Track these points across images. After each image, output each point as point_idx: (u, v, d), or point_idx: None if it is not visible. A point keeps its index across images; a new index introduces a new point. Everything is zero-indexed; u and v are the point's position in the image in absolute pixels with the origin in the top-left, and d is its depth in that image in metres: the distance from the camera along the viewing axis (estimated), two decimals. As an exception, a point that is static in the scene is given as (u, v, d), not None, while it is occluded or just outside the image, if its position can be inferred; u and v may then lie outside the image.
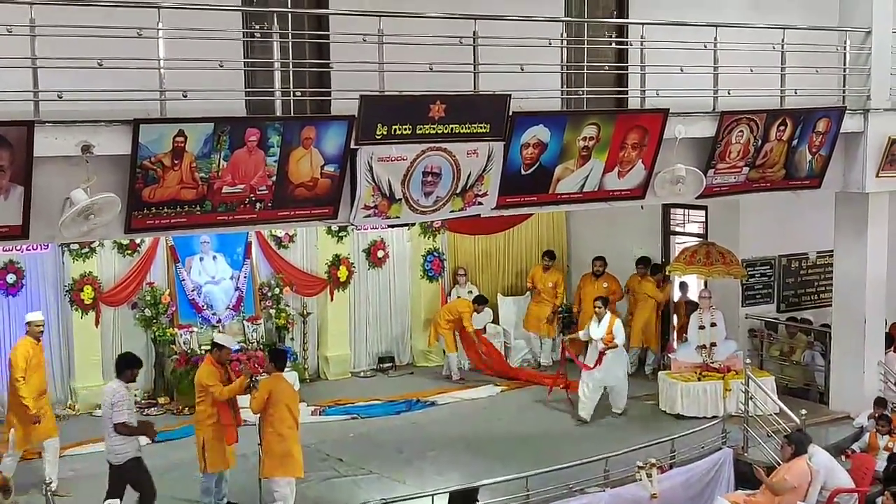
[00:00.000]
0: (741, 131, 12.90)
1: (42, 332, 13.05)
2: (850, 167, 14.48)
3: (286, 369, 12.89)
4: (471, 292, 18.68)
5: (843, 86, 13.96)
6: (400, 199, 10.89)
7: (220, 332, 15.88)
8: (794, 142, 13.50)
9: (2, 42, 8.61)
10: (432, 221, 17.55)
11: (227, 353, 12.02)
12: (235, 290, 16.67)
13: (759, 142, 13.16)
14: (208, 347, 13.09)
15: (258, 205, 10.17)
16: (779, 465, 12.33)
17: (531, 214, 18.58)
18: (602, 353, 15.36)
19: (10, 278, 15.32)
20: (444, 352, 18.09)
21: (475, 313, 17.86)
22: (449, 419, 15.74)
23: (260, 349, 16.17)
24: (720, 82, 12.66)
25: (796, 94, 13.36)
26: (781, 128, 13.23)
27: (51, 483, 10.79)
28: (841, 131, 13.85)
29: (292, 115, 10.37)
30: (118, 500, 10.74)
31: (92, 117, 9.00)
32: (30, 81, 8.79)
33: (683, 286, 17.70)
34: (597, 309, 15.62)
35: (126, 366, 11.52)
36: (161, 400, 16.01)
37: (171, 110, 9.36)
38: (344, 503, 11.93)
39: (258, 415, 11.73)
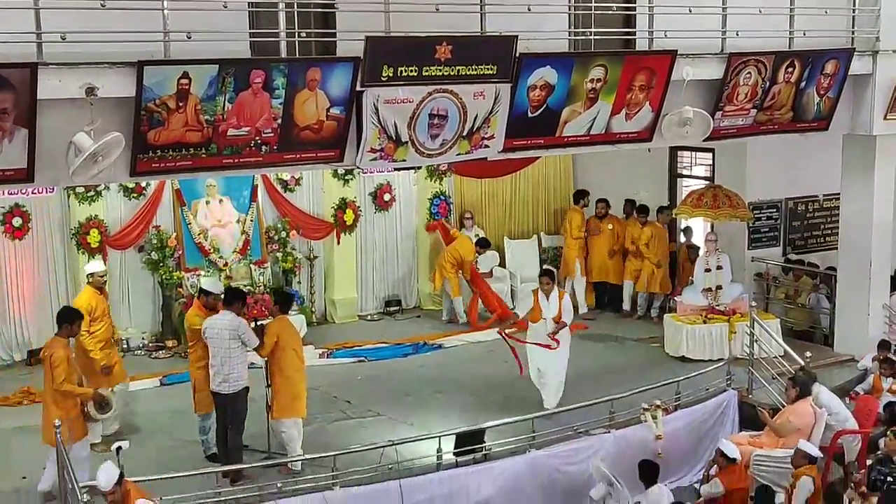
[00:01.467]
0: (749, 73, 12.81)
1: (105, 282, 12.87)
2: (858, 109, 14.39)
3: (293, 312, 12.94)
4: (477, 235, 18.68)
5: (852, 27, 13.82)
6: (406, 142, 10.86)
7: (225, 277, 15.95)
8: (802, 84, 13.41)
9: (5, -17, 8.56)
10: (439, 164, 17.52)
11: (215, 298, 12.02)
12: (242, 233, 16.65)
13: (767, 84, 13.07)
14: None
15: (264, 148, 10.14)
16: (783, 406, 12.39)
17: (538, 157, 18.51)
18: (553, 336, 13.41)
19: (17, 222, 15.33)
20: (447, 296, 17.98)
21: (478, 255, 17.86)
22: (456, 362, 15.80)
23: (266, 292, 16.21)
24: (728, 23, 12.55)
25: (805, 36, 13.23)
26: (789, 70, 13.14)
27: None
28: (849, 73, 13.75)
29: (297, 56, 10.29)
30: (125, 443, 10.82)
31: (96, 59, 8.95)
32: (33, 23, 8.71)
33: (688, 230, 17.69)
34: (544, 285, 13.52)
35: (235, 297, 11.69)
36: (168, 343, 16.07)
37: (175, 52, 9.29)
38: (352, 445, 11.98)
39: (265, 358, 11.81)
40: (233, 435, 11.51)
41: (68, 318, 11.25)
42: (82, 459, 10.87)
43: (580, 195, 18.66)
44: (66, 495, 9.75)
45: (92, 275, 12.65)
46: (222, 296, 11.92)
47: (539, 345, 13.40)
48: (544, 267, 14.30)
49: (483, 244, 18.28)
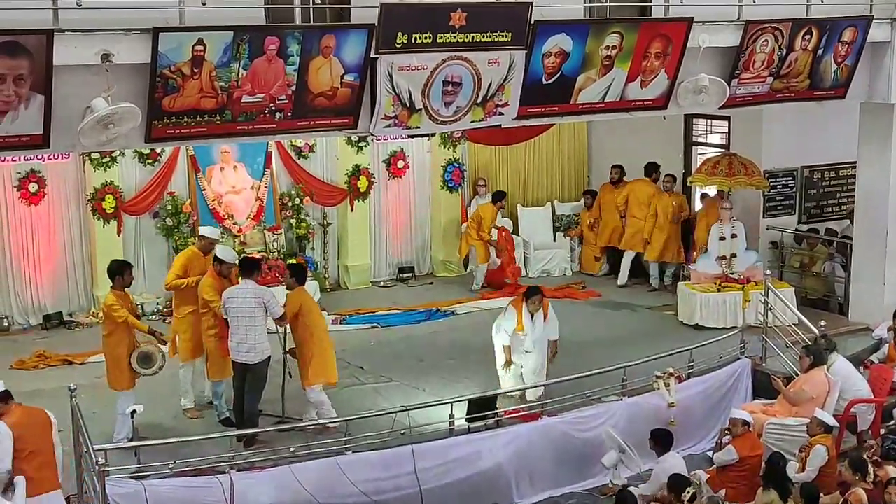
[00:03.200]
0: (766, 41, 12.73)
1: (212, 247, 12.53)
2: (876, 77, 14.30)
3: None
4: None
5: (871, -6, 13.74)
6: (420, 109, 10.85)
7: (239, 243, 16.00)
8: (820, 51, 13.33)
9: (20, -51, 8.56)
10: (452, 132, 17.48)
11: (229, 267, 12.08)
12: (256, 199, 16.67)
13: (784, 51, 13.00)
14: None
15: (278, 114, 10.15)
16: (797, 375, 12.40)
17: (552, 125, 18.46)
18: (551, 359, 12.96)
19: (33, 187, 15.37)
20: (475, 264, 17.95)
21: (500, 211, 17.89)
22: (468, 328, 15.81)
23: (280, 259, 16.26)
24: (745, -10, 12.48)
25: (822, 3, 13.13)
26: (807, 37, 13.06)
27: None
28: (867, 41, 13.65)
29: (312, 23, 10.27)
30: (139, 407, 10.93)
31: (111, 26, 8.95)
32: (48, -11, 8.74)
33: (704, 197, 17.64)
34: (532, 305, 12.66)
35: (253, 267, 11.83)
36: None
37: (190, 18, 9.30)
38: (364, 410, 12.06)
39: (283, 327, 11.93)
40: (251, 401, 11.59)
41: (118, 270, 11.56)
42: (123, 414, 11.18)
43: (652, 168, 18.08)
44: (79, 458, 9.82)
45: (203, 237, 12.72)
46: (236, 264, 11.96)
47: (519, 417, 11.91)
48: (534, 286, 13.16)
49: (498, 196, 18.12)
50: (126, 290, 11.66)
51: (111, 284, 11.57)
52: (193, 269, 12.22)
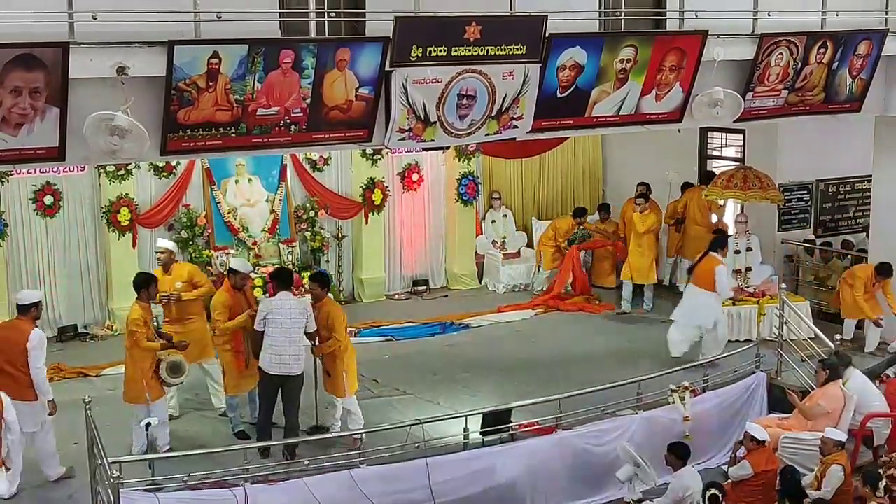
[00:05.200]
0: (781, 54, 12.71)
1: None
2: (891, 91, 14.26)
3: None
4: (505, 216, 18.71)
5: (886, 7, 13.66)
6: (435, 122, 10.85)
7: (254, 256, 16.02)
8: (835, 65, 13.30)
9: (36, -38, 8.60)
10: (467, 145, 17.49)
11: (243, 278, 12.09)
12: (271, 212, 16.71)
13: (799, 65, 12.97)
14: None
15: (293, 127, 10.17)
16: (812, 389, 12.35)
17: (567, 138, 18.46)
18: None
19: (48, 200, 15.43)
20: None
21: (580, 225, 18.12)
22: (483, 342, 15.83)
23: (295, 271, 16.27)
24: (760, 4, 12.42)
25: (837, 16, 13.10)
26: (822, 50, 13.03)
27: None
28: (882, 54, 13.61)
29: (327, 36, 10.30)
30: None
31: (126, 39, 8.99)
32: (64, 2, 8.76)
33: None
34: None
35: (291, 278, 11.94)
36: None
37: (205, 32, 9.32)
38: (379, 423, 12.05)
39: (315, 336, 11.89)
40: (293, 412, 11.55)
41: (143, 283, 11.58)
42: (162, 423, 11.32)
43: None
44: (93, 470, 9.84)
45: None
46: (251, 275, 11.97)
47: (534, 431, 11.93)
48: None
49: (579, 213, 18.31)
50: (151, 302, 11.65)
51: (137, 296, 11.54)
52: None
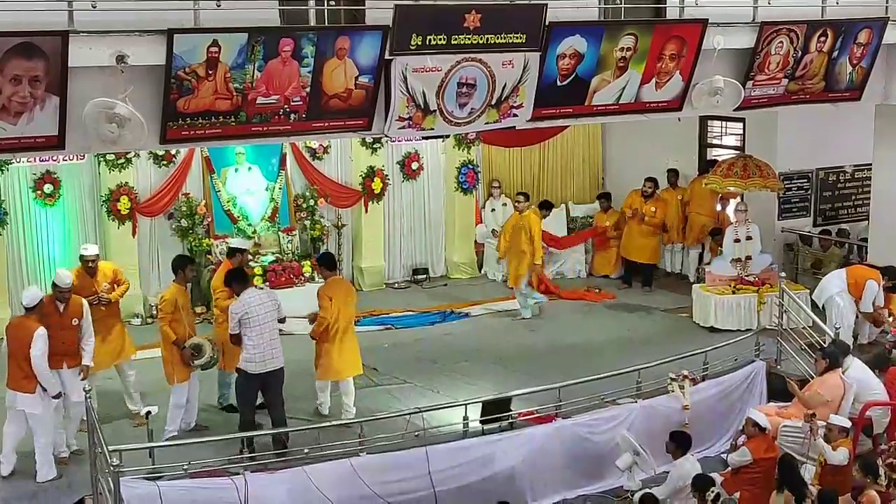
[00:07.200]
0: (781, 42, 12.70)
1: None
2: (892, 79, 14.27)
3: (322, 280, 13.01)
4: (505, 205, 18.67)
5: (887, -4, 13.69)
6: (434, 111, 10.85)
7: (254, 244, 16.02)
8: (835, 53, 13.29)
9: (35, -49, 8.58)
10: (467, 133, 17.48)
11: (244, 256, 12.29)
12: (270, 201, 16.71)
13: (799, 53, 12.96)
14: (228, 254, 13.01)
15: (292, 116, 10.17)
16: (812, 378, 12.35)
17: (566, 126, 18.44)
18: None
19: (48, 188, 15.41)
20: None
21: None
22: (482, 330, 15.83)
23: (295, 260, 16.29)
24: (760, -8, 12.45)
25: (838, 5, 13.09)
26: (822, 39, 13.02)
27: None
28: (883, 42, 13.60)
29: (326, 24, 10.28)
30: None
31: (126, 27, 8.98)
32: (64, -9, 8.77)
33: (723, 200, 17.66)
34: None
35: (242, 276, 11.75)
36: (198, 309, 16.08)
37: (204, 20, 9.31)
38: (378, 412, 12.06)
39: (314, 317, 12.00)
40: (280, 407, 11.45)
41: (180, 264, 11.91)
42: (176, 406, 11.63)
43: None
44: (94, 458, 9.85)
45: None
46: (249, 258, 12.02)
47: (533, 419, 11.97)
48: None
49: (545, 206, 18.28)
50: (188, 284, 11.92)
51: (174, 278, 11.81)
52: None
